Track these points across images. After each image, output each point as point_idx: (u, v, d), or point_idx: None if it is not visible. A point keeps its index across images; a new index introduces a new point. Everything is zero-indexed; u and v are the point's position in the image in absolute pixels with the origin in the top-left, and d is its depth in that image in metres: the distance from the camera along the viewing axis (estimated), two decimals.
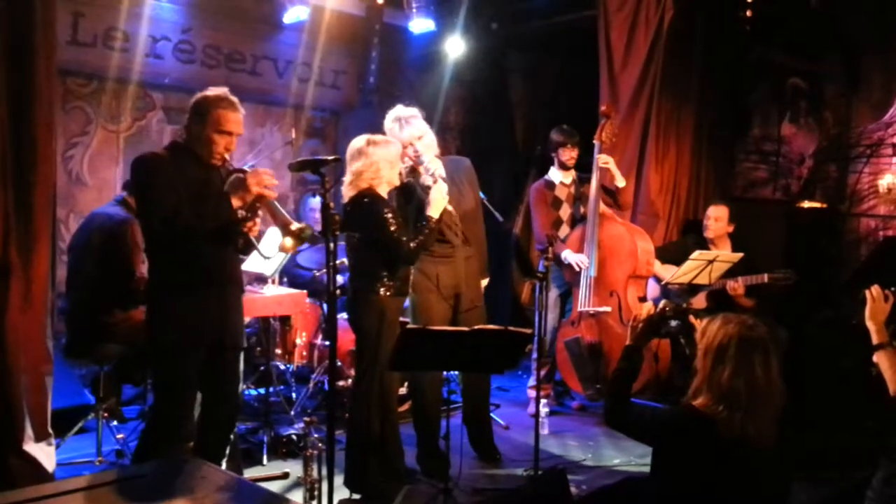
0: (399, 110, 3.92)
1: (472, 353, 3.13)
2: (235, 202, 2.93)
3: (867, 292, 2.73)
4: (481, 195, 4.27)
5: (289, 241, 2.87)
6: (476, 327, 3.16)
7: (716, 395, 2.36)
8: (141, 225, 3.30)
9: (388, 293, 3.60)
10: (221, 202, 2.95)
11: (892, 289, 2.74)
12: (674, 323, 2.62)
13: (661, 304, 2.66)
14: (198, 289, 3.02)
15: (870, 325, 2.70)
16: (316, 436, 3.31)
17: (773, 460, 2.41)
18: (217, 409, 3.22)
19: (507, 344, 3.19)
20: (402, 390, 4.95)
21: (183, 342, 3.02)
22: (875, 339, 2.68)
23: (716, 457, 2.35)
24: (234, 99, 3.08)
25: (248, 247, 3.27)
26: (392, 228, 3.49)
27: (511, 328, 3.16)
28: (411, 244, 3.53)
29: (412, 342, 3.06)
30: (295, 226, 2.85)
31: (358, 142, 3.64)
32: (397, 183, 3.73)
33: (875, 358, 2.66)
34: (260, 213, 3.03)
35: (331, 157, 2.84)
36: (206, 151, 3.03)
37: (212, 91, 3.08)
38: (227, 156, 3.05)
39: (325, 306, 5.10)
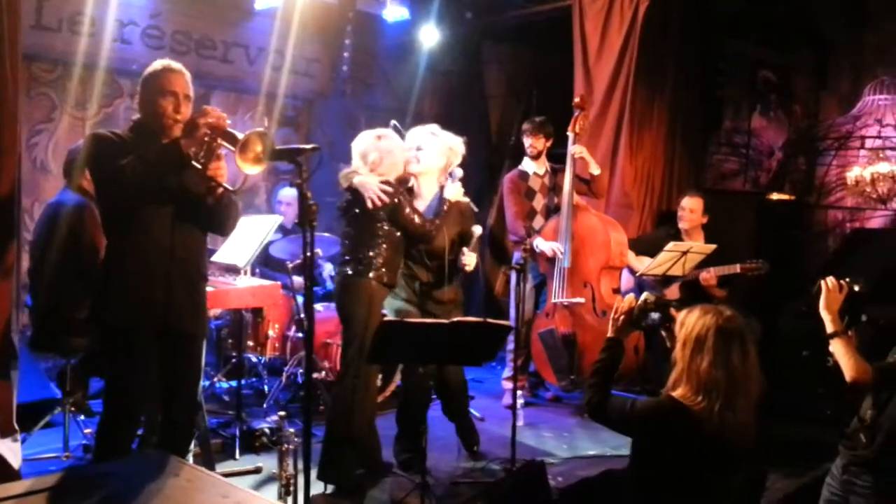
0: (431, 126, 4.04)
1: (451, 345, 3.11)
2: (190, 146, 2.80)
3: (822, 282, 2.77)
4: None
5: (250, 155, 2.72)
6: (455, 319, 3.14)
7: (694, 386, 2.38)
8: (96, 193, 3.19)
9: (376, 282, 3.62)
10: (167, 147, 2.84)
11: (847, 279, 2.78)
12: (655, 315, 2.61)
13: (643, 296, 2.65)
14: (142, 265, 2.92)
15: (824, 314, 2.74)
16: (290, 430, 3.26)
17: (750, 450, 2.42)
18: (170, 404, 3.10)
19: (486, 336, 3.16)
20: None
21: (124, 319, 2.92)
22: (830, 329, 2.72)
23: (694, 447, 2.36)
24: (178, 65, 3.01)
25: (223, 194, 2.99)
26: (407, 210, 3.65)
27: (490, 320, 3.14)
28: (427, 224, 3.71)
29: (390, 335, 3.03)
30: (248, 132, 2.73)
31: (367, 135, 3.79)
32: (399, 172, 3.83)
33: (831, 347, 2.70)
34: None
35: (309, 146, 2.77)
36: (158, 123, 2.94)
37: (155, 62, 3.04)
38: (179, 118, 2.92)
39: (297, 298, 5.04)
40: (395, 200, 3.63)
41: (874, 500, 2.61)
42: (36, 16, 5.07)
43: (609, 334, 2.66)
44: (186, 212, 2.98)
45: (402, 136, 3.96)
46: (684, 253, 4.76)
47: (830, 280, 2.77)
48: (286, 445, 3.15)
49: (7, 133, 3.09)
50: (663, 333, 2.63)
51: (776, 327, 5.27)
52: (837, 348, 2.68)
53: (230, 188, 2.98)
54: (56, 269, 3.96)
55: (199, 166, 2.82)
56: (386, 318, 3.44)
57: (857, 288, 2.78)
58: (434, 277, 3.97)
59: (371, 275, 3.61)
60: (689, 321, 2.45)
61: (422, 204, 3.95)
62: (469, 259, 3.94)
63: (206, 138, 2.81)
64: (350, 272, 3.65)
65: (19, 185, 3.27)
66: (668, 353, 2.54)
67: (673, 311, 2.62)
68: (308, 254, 2.69)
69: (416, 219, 3.69)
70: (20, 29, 3.20)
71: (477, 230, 4.01)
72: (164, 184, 2.88)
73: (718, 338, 2.37)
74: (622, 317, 2.64)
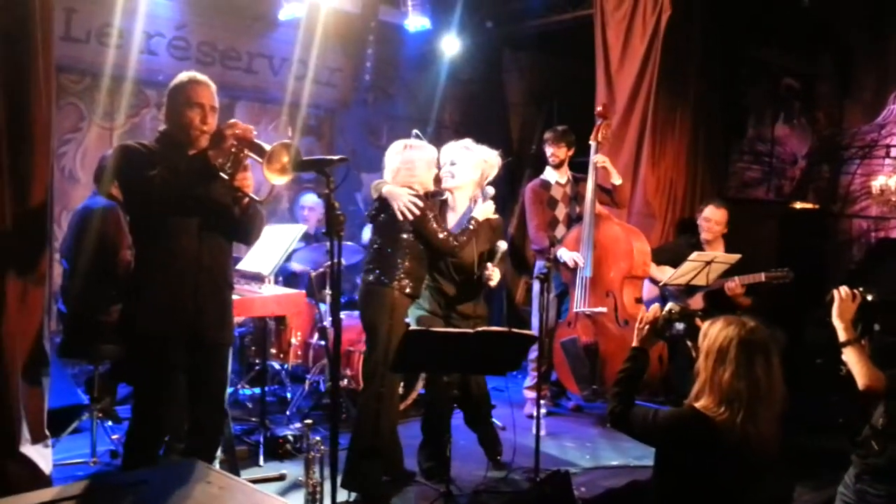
0: (465, 140, 4.06)
1: (476, 355, 3.12)
2: (217, 157, 2.83)
3: (835, 292, 2.78)
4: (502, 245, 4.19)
5: (276, 166, 2.75)
6: (479, 329, 3.15)
7: (717, 397, 2.38)
8: (125, 203, 3.23)
9: (398, 291, 3.63)
10: (195, 158, 2.88)
11: (860, 289, 2.78)
12: (679, 325, 2.62)
13: (668, 306, 2.66)
14: (170, 274, 2.95)
15: (837, 323, 2.76)
16: (316, 438, 3.28)
17: (775, 462, 2.41)
18: (197, 411, 3.13)
19: (510, 346, 3.17)
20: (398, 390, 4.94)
21: (152, 327, 2.95)
22: (843, 337, 2.73)
23: (716, 458, 2.35)
24: (203, 77, 3.05)
25: (249, 204, 3.04)
26: (431, 224, 3.66)
27: (515, 330, 3.15)
28: (451, 240, 3.70)
29: (415, 344, 3.05)
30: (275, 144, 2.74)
31: (396, 145, 3.82)
32: (431, 187, 3.85)
33: (843, 355, 2.70)
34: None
35: (336, 157, 2.80)
36: (185, 135, 2.98)
37: (181, 74, 3.08)
38: (206, 129, 2.96)
39: (320, 306, 5.08)
40: (421, 213, 3.65)
41: None
42: (65, 27, 5.16)
43: (633, 344, 2.67)
44: (213, 221, 3.03)
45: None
46: (708, 263, 4.73)
47: (843, 289, 2.79)
48: (312, 453, 3.18)
49: (40, 142, 3.14)
50: (688, 343, 2.64)
51: (801, 337, 5.22)
52: (850, 356, 2.70)
53: (256, 198, 3.02)
54: (85, 273, 4.02)
55: (226, 177, 2.86)
56: (411, 328, 3.46)
57: (870, 297, 2.80)
58: (461, 292, 3.98)
59: (394, 284, 3.63)
60: (712, 332, 2.45)
61: (454, 217, 3.96)
62: (493, 274, 3.94)
63: (233, 149, 2.84)
64: (372, 280, 3.68)
65: (51, 194, 3.33)
66: (692, 363, 2.54)
67: (698, 321, 2.62)
68: (335, 261, 2.71)
69: (440, 233, 3.69)
70: (53, 41, 3.26)
71: (502, 245, 4.01)
72: (191, 194, 2.92)
73: (741, 349, 2.36)
74: (647, 326, 2.65)
